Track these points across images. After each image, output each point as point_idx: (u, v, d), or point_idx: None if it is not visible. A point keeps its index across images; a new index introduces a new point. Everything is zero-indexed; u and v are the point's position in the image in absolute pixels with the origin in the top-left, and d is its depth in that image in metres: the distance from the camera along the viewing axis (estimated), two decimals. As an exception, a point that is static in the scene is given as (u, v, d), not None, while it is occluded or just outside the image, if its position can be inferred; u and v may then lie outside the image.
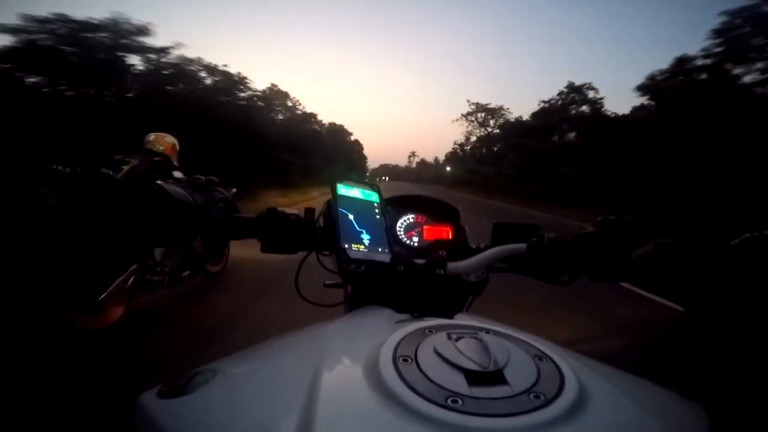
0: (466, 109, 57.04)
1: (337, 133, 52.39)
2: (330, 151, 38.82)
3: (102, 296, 2.19)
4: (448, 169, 70.63)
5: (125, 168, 2.67)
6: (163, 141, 3.06)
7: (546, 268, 0.56)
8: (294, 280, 0.62)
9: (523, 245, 0.57)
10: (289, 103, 32.09)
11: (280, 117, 29.16)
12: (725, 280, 0.39)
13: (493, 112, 49.45)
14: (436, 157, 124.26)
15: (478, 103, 51.40)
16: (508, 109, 54.19)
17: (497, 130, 47.76)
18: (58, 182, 0.36)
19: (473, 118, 51.48)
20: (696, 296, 0.41)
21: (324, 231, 0.56)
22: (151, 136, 3.06)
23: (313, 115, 41.78)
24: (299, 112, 33.63)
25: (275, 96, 29.78)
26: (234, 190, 3.78)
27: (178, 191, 0.49)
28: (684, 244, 0.44)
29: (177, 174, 2.83)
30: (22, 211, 0.32)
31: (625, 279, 0.49)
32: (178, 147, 3.15)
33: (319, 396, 0.29)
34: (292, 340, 0.46)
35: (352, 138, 63.48)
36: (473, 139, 52.84)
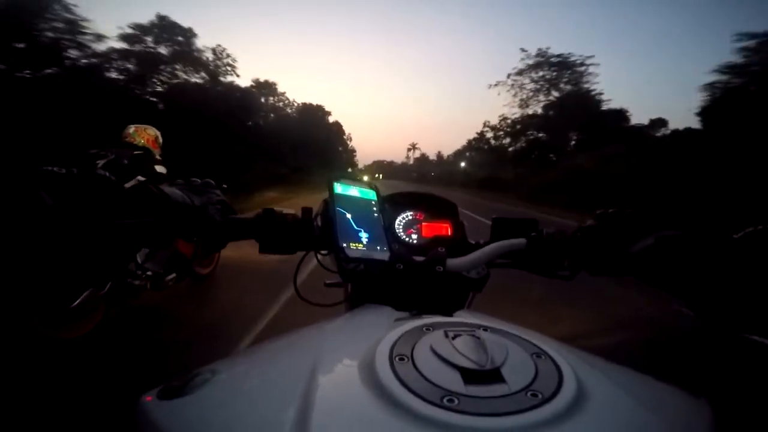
0: (516, 64, 36.95)
1: (312, 114, 38.95)
2: (300, 137, 28.92)
3: (75, 303, 2.06)
4: (463, 165, 55.82)
5: (101, 163, 2.51)
6: (144, 133, 2.84)
7: (546, 263, 0.56)
8: (293, 280, 0.62)
9: (522, 240, 0.56)
10: (205, 55, 19.06)
11: (192, 77, 18.46)
12: (728, 275, 0.38)
13: (569, 67, 27.50)
14: (439, 152, 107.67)
15: (546, 50, 28.68)
16: (591, 59, 27.49)
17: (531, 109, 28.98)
18: (54, 184, 0.35)
19: (531, 79, 29.53)
20: (698, 290, 0.40)
21: (322, 230, 0.56)
22: (131, 129, 2.84)
23: (267, 85, 30.96)
24: (225, 68, 20.44)
25: (168, 32, 17.38)
26: (223, 186, 3.69)
27: (175, 193, 0.49)
28: (686, 237, 0.43)
29: (159, 168, 2.68)
30: (18, 213, 0.32)
31: (626, 273, 0.49)
32: (160, 140, 2.96)
33: (316, 395, 0.29)
34: (292, 340, 0.46)
35: (331, 119, 46.07)
36: (505, 118, 31.96)
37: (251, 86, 28.52)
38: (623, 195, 12.47)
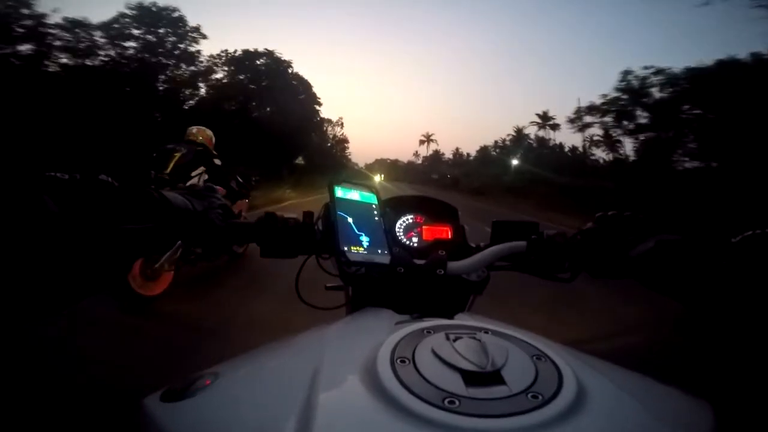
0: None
1: (251, 64, 23.10)
2: (217, 106, 17.45)
3: (156, 265, 2.52)
4: (515, 162, 32.62)
5: (177, 155, 3.11)
6: (204, 133, 3.56)
7: (546, 266, 0.56)
8: (295, 284, 0.62)
9: (522, 243, 0.57)
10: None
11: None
12: (727, 278, 0.38)
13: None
14: (456, 149, 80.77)
15: None
16: None
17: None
18: (57, 189, 0.36)
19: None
20: (697, 294, 0.41)
21: (323, 234, 0.56)
22: (194, 129, 3.57)
23: (156, 13, 17.08)
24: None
25: None
26: (257, 178, 4.26)
27: (176, 198, 0.49)
28: (685, 241, 0.43)
29: (217, 161, 3.34)
30: (23, 218, 0.32)
31: (626, 276, 0.49)
32: (214, 139, 3.65)
33: (318, 398, 0.29)
34: (293, 343, 0.46)
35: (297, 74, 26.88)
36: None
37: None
38: None
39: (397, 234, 0.75)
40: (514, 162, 33.42)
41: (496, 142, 49.28)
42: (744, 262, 0.38)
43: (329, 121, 45.07)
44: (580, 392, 0.29)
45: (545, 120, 34.73)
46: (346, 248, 0.51)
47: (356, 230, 0.54)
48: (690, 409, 0.35)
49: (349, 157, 57.16)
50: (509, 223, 0.67)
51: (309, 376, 0.33)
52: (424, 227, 0.75)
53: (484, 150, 53.80)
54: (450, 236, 0.75)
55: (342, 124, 48.17)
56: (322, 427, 0.26)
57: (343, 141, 49.31)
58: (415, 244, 0.75)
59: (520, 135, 40.05)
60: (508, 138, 43.36)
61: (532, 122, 36.68)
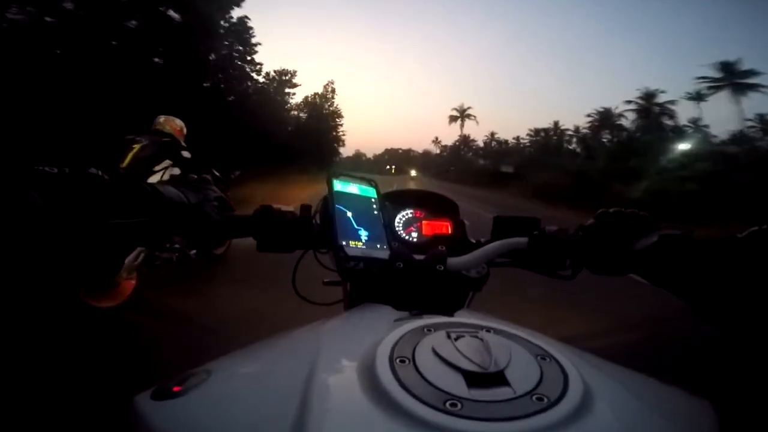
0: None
1: None
2: None
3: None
4: (686, 147, 15.05)
5: (136, 147, 2.75)
6: (172, 123, 3.19)
7: (548, 262, 0.55)
8: (291, 279, 0.61)
9: (524, 239, 0.56)
10: None
11: None
12: (732, 274, 0.38)
13: None
14: (492, 134, 62.26)
15: None
16: None
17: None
18: (45, 183, 0.35)
19: None
20: (702, 289, 0.40)
21: (320, 228, 0.55)
22: (161, 119, 3.18)
23: None
24: None
25: None
26: (237, 172, 3.92)
27: (170, 190, 0.48)
28: (689, 236, 0.43)
29: (185, 154, 2.98)
30: (8, 214, 0.32)
31: (628, 271, 0.48)
32: (185, 130, 3.30)
33: (314, 398, 0.29)
34: (289, 340, 0.45)
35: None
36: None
37: None
38: None
39: (397, 229, 0.74)
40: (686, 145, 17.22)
41: (570, 125, 33.82)
42: (750, 258, 0.37)
43: (324, 96, 36.98)
44: (586, 394, 0.28)
45: (735, 75, 17.38)
46: (344, 243, 0.50)
47: (355, 224, 0.53)
48: (695, 410, 0.34)
49: (343, 138, 41.47)
50: (510, 218, 0.66)
51: (305, 374, 0.32)
52: (423, 222, 0.74)
53: (542, 134, 39.53)
54: (450, 231, 0.74)
55: (333, 89, 37.02)
56: (318, 428, 0.26)
57: (335, 114, 37.19)
58: (415, 239, 0.74)
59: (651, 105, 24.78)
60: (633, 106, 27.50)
61: (699, 78, 21.31)
